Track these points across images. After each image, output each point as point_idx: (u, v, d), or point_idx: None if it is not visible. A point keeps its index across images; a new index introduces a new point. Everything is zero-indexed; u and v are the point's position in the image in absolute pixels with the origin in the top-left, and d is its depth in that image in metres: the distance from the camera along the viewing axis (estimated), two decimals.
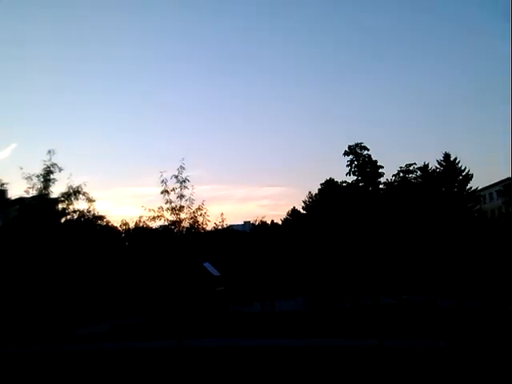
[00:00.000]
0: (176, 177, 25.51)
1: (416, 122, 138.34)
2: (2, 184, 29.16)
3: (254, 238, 61.85)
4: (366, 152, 25.03)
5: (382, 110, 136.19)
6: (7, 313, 28.33)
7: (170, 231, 26.76)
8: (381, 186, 25.88)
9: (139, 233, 43.02)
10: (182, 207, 25.70)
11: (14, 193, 30.67)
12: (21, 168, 25.62)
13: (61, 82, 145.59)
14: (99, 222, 32.42)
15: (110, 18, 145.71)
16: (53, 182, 26.27)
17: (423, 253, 26.66)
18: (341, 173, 25.95)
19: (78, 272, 26.56)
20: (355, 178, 25.16)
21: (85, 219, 28.16)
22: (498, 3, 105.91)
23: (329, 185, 54.69)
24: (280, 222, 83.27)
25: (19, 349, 27.99)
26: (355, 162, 24.97)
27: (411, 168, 25.98)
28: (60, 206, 27.03)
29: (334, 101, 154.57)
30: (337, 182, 33.78)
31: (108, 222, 45.03)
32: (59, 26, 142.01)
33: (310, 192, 78.33)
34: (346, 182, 25.54)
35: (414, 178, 27.13)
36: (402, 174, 25.95)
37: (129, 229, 52.89)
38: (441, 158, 56.04)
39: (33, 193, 26.08)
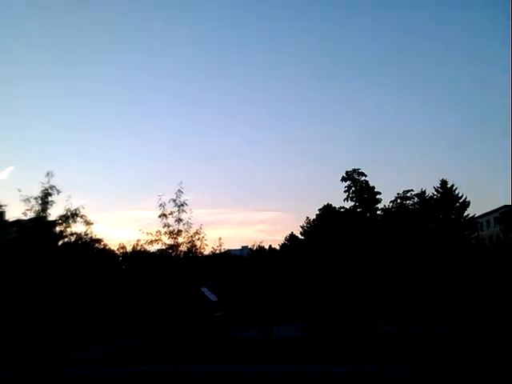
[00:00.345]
0: (174, 200, 25.49)
1: (413, 149, 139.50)
2: (0, 206, 29.20)
3: (251, 263, 61.68)
4: (363, 178, 25.39)
5: (380, 135, 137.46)
6: (4, 335, 28.00)
7: (167, 255, 26.67)
8: (378, 212, 26.10)
9: (137, 256, 43.01)
10: (179, 231, 25.61)
11: (11, 215, 30.81)
12: (19, 190, 25.57)
13: (60, 103, 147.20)
14: (97, 245, 32.37)
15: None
16: (51, 205, 26.24)
17: (421, 280, 26.61)
18: (338, 198, 26.26)
19: (75, 295, 26.37)
20: (353, 203, 25.38)
21: (82, 242, 27.98)
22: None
23: (326, 210, 54.81)
24: (277, 247, 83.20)
25: (15, 371, 27.65)
26: (353, 188, 25.25)
27: (408, 194, 26.40)
28: (57, 229, 26.88)
29: (332, 126, 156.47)
30: (334, 207, 34.04)
31: (105, 245, 45.21)
32: (60, 48, 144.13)
33: (307, 217, 77.73)
34: (343, 207, 25.82)
35: (412, 205, 27.45)
36: (399, 201, 26.25)
37: (126, 252, 52.94)
38: (438, 184, 56.21)
39: (31, 215, 25.98)
